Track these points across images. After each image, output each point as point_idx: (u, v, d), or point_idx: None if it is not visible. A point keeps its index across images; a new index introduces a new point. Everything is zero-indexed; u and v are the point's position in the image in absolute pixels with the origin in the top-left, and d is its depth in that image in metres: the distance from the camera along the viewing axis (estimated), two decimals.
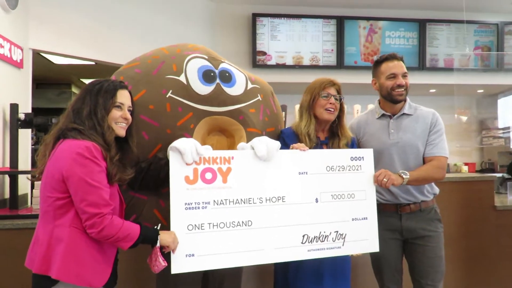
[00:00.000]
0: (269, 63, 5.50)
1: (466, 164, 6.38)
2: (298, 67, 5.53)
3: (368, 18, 5.68)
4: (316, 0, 5.49)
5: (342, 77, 5.46)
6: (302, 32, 5.56)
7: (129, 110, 1.68)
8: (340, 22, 5.60)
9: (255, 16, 5.46)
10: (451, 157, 6.46)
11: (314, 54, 5.57)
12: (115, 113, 1.63)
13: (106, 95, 1.62)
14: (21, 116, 2.91)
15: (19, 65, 3.20)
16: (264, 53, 5.48)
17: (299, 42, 5.55)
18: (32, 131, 3.65)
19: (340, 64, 5.59)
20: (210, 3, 5.44)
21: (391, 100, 2.21)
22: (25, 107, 3.32)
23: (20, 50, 3.22)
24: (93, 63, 4.38)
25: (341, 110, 2.14)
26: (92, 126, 1.57)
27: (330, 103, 2.08)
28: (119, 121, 1.64)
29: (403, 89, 2.18)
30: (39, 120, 3.07)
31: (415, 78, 5.69)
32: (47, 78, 6.45)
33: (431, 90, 6.38)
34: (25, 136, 3.36)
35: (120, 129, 1.65)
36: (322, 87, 2.10)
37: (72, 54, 3.89)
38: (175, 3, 4.96)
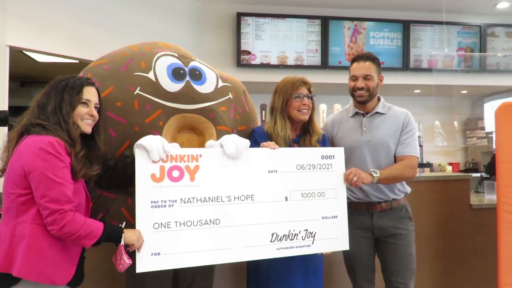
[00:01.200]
0: (253, 62, 5.48)
1: (450, 164, 6.42)
2: (282, 66, 5.52)
3: (352, 19, 5.69)
4: (301, 0, 5.50)
5: (326, 77, 5.55)
6: (287, 32, 5.55)
7: (96, 107, 1.67)
8: (325, 22, 5.61)
9: (239, 15, 5.44)
10: (436, 157, 6.54)
11: (298, 54, 5.57)
12: (81, 109, 1.61)
13: (72, 91, 1.60)
14: None
15: None
16: (248, 53, 5.47)
17: (284, 41, 5.54)
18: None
19: (325, 64, 5.59)
20: (196, 2, 5.42)
21: (355, 100, 2.24)
22: (2, 105, 3.28)
23: None
24: (77, 61, 4.33)
25: (312, 107, 2.14)
26: (57, 122, 1.55)
27: (304, 104, 2.08)
28: (85, 117, 1.62)
29: (363, 91, 2.18)
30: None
31: (399, 79, 5.73)
32: (32, 76, 6.37)
33: (416, 91, 6.43)
34: (2, 134, 3.32)
35: (86, 126, 1.63)
36: (295, 88, 2.08)
37: (52, 52, 3.83)
38: (160, 2, 4.92)
